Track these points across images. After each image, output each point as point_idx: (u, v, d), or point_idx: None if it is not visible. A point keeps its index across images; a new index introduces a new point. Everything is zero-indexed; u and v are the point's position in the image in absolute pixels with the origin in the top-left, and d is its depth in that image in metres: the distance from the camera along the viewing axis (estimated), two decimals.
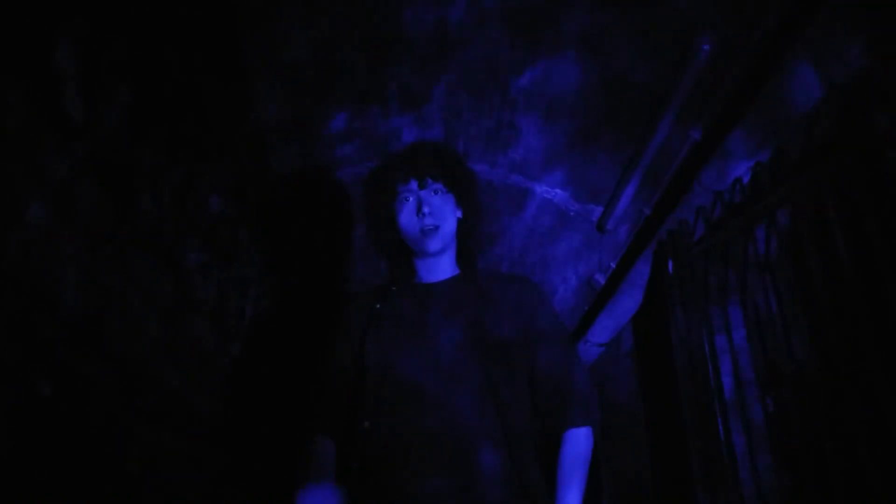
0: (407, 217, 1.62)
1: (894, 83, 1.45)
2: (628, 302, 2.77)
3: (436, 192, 1.63)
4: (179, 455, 1.90)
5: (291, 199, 2.84)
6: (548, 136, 2.60)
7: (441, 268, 1.67)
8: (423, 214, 1.59)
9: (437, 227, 1.60)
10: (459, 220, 1.68)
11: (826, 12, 1.50)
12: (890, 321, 1.42)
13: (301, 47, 2.26)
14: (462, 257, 1.71)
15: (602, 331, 3.03)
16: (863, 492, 1.49)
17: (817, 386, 1.67)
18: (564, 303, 3.25)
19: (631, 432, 2.89)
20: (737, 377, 2.00)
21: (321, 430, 1.52)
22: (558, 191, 2.85)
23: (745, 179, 1.98)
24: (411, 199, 1.63)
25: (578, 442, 1.45)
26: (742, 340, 2.03)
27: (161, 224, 1.81)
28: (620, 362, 3.08)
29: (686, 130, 2.17)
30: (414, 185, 1.63)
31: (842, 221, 1.58)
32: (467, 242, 1.72)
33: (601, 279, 2.96)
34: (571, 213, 2.92)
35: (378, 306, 1.61)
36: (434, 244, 1.60)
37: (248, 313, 2.49)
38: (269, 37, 2.22)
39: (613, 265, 2.86)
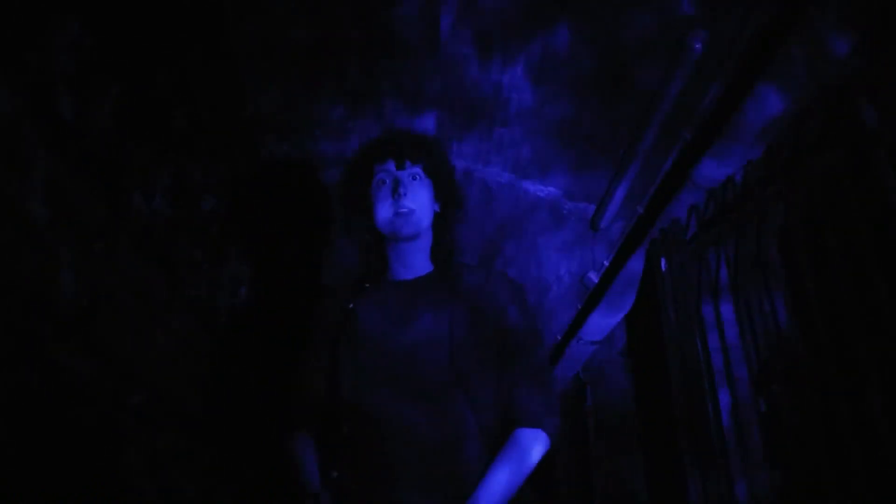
0: (382, 199, 1.55)
1: (882, 80, 1.45)
2: (621, 300, 2.78)
3: (414, 178, 1.57)
4: (172, 454, 1.90)
5: (283, 196, 2.83)
6: (541, 134, 2.60)
7: (415, 262, 1.60)
8: (399, 195, 1.52)
9: (411, 211, 1.53)
10: (437, 214, 1.62)
11: (815, 9, 1.51)
12: (880, 318, 1.43)
13: (294, 44, 2.25)
14: (437, 253, 1.64)
15: (595, 329, 3.04)
16: (854, 488, 1.49)
17: (809, 383, 1.67)
18: (558, 300, 3.26)
19: (623, 430, 2.90)
20: (729, 375, 2.00)
21: (298, 429, 1.49)
22: (552, 189, 2.86)
23: (737, 178, 1.99)
24: (388, 180, 1.56)
25: (522, 440, 1.39)
26: (734, 338, 2.04)
27: (152, 222, 1.80)
28: (613, 360, 3.09)
29: (678, 129, 2.18)
30: (391, 165, 1.57)
31: (832, 218, 1.58)
32: (443, 239, 1.64)
33: (594, 277, 2.97)
34: (565, 212, 2.93)
35: (350, 305, 1.54)
36: (407, 228, 1.53)
37: (239, 311, 2.48)
38: (260, 33, 2.21)
39: (607, 263, 2.87)
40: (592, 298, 2.96)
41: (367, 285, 1.60)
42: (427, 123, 2.61)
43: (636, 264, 2.57)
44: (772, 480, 1.87)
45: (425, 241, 1.61)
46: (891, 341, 1.41)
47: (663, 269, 2.32)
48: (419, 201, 1.56)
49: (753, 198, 1.88)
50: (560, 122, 2.52)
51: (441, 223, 1.64)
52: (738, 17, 1.82)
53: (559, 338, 3.39)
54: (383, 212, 1.55)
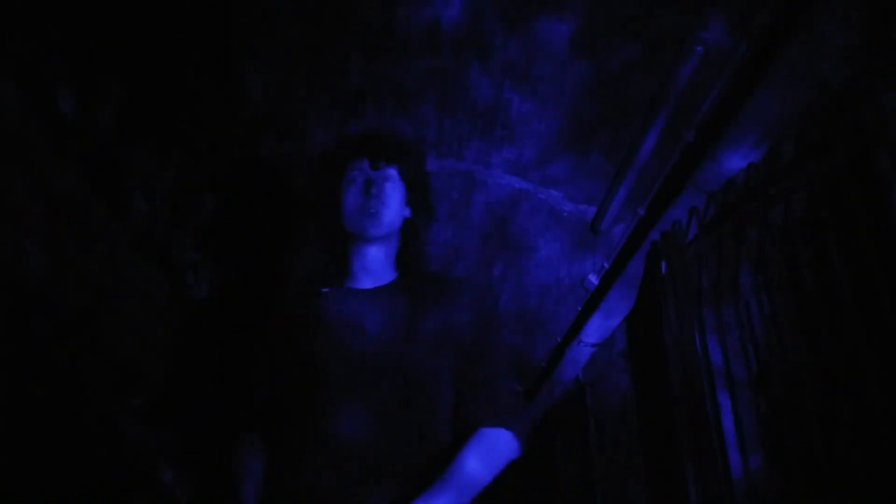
0: (352, 195, 1.52)
1: (884, 83, 1.46)
2: (621, 302, 2.78)
3: (387, 180, 1.53)
4: (172, 454, 1.89)
5: (284, 196, 2.84)
6: (541, 136, 2.60)
7: (378, 267, 1.55)
8: (370, 195, 1.49)
9: (380, 212, 1.50)
10: (406, 220, 1.58)
11: (818, 12, 1.51)
12: (881, 319, 1.43)
13: (295, 44, 2.25)
14: (402, 260, 1.59)
15: (595, 331, 3.04)
16: (854, 489, 1.49)
17: (809, 385, 1.67)
18: (558, 303, 3.26)
19: (623, 432, 2.90)
20: (729, 377, 2.00)
21: (246, 431, 1.46)
22: (552, 191, 2.86)
23: (738, 180, 1.99)
24: (359, 179, 1.53)
25: (488, 435, 1.34)
26: (735, 341, 2.04)
27: (154, 223, 1.80)
28: (613, 362, 3.09)
29: (679, 131, 2.18)
30: (365, 164, 1.54)
31: (834, 221, 1.58)
32: (410, 246, 1.60)
33: (594, 279, 2.97)
34: (565, 214, 2.93)
35: (305, 310, 1.49)
36: (373, 227, 1.50)
37: (240, 311, 2.48)
38: (261, 34, 2.21)
39: (607, 265, 2.87)
40: (593, 301, 2.96)
41: (325, 290, 1.53)
42: (428, 125, 2.61)
43: (636, 267, 2.57)
44: (772, 482, 1.86)
45: (391, 247, 1.58)
46: (892, 343, 1.41)
47: (664, 271, 2.32)
48: (390, 203, 1.52)
49: (754, 200, 1.88)
50: (561, 124, 2.53)
51: (410, 229, 1.60)
52: (741, 20, 1.83)
53: (559, 340, 3.39)
54: (352, 209, 1.51)
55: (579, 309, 3.15)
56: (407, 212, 1.59)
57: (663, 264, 2.32)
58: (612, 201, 2.63)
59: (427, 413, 1.37)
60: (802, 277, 1.69)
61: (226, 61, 2.23)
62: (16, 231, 1.22)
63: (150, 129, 1.75)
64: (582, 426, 3.37)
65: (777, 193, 1.79)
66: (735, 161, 2.00)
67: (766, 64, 1.72)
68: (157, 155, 1.80)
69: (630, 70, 2.20)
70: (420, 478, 1.28)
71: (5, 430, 1.19)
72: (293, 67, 2.34)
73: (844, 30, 1.50)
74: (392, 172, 1.55)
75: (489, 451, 1.33)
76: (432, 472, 1.28)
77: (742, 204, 1.94)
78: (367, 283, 1.54)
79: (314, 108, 2.52)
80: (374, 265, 1.55)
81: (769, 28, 1.74)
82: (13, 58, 1.21)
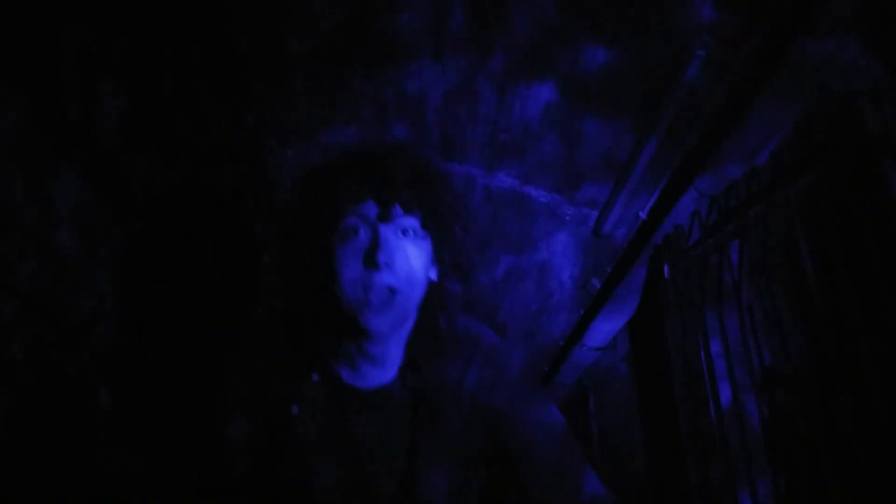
0: (349, 262, 1.02)
1: (887, 87, 1.46)
2: (624, 306, 2.78)
3: (405, 233, 1.06)
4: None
5: (285, 201, 2.84)
6: (544, 140, 2.60)
7: (378, 360, 1.09)
8: (378, 266, 1.00)
9: (392, 293, 1.02)
10: (432, 284, 1.11)
11: (822, 16, 1.51)
12: (885, 323, 1.43)
13: (297, 49, 2.26)
14: (415, 346, 1.12)
15: (598, 335, 3.04)
16: (858, 493, 1.49)
17: (813, 389, 1.67)
18: (560, 307, 3.26)
19: (626, 436, 2.89)
20: (732, 381, 2.00)
21: None
22: (555, 195, 2.86)
23: (741, 184, 1.99)
24: (362, 233, 1.04)
25: None
26: (738, 345, 2.03)
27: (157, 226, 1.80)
28: (616, 367, 3.09)
29: (681, 135, 2.18)
30: (371, 210, 1.04)
31: (836, 225, 1.58)
32: (430, 325, 1.12)
33: (597, 283, 2.97)
34: (567, 218, 2.93)
35: (294, 409, 1.03)
36: (378, 321, 1.02)
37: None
38: (264, 39, 2.22)
39: (609, 269, 2.87)
40: (595, 304, 2.95)
41: (315, 379, 1.07)
42: (429, 128, 2.61)
43: (639, 270, 2.57)
44: (775, 486, 1.86)
45: (404, 330, 1.11)
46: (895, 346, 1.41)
47: (666, 275, 2.32)
48: (408, 273, 1.04)
49: (757, 204, 1.88)
50: (563, 127, 2.53)
51: (434, 299, 1.11)
52: (743, 24, 1.83)
53: (562, 344, 3.39)
54: (349, 283, 1.02)
55: (582, 313, 3.15)
56: (432, 272, 1.12)
57: (666, 268, 2.32)
58: (614, 205, 2.63)
59: None
60: (805, 281, 1.69)
61: (229, 66, 2.23)
62: (19, 237, 1.22)
63: (154, 133, 1.75)
64: (584, 430, 3.36)
65: (779, 197, 1.79)
66: (737, 165, 2.00)
67: (769, 68, 1.72)
68: (161, 159, 1.80)
69: (632, 72, 2.21)
70: None
71: (8, 434, 1.19)
72: (295, 72, 2.34)
73: (848, 33, 1.50)
74: (412, 223, 1.06)
75: None
76: None
77: (744, 208, 1.94)
78: (359, 380, 1.09)
79: (316, 112, 2.53)
80: (374, 355, 1.09)
81: (772, 32, 1.75)
82: (20, 63, 1.21)
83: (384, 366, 1.10)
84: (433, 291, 1.12)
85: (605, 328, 2.97)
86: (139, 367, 1.50)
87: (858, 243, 1.51)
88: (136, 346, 1.52)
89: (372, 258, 1.01)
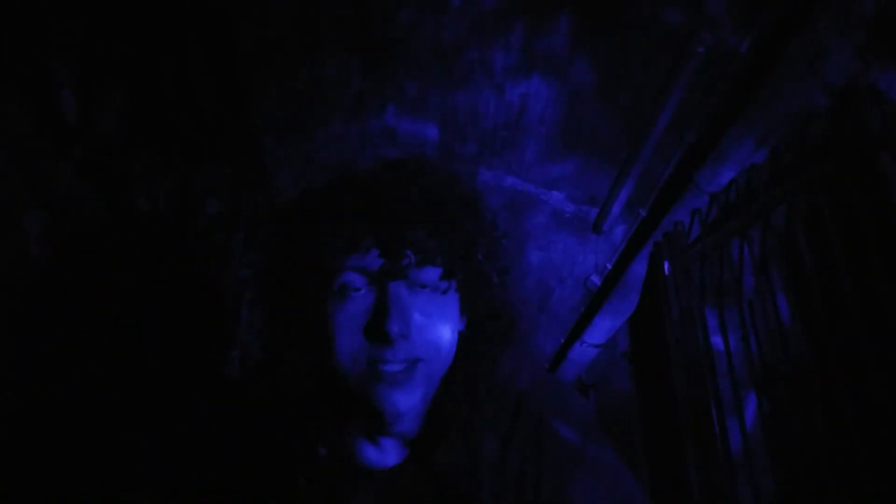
0: (349, 332, 0.78)
1: (886, 85, 1.46)
2: (624, 303, 2.78)
3: (423, 288, 0.79)
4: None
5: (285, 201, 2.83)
6: (543, 138, 2.60)
7: (393, 435, 0.85)
8: (387, 336, 0.75)
9: (412, 365, 0.78)
10: (462, 335, 0.85)
11: (819, 14, 1.51)
12: (884, 320, 1.43)
13: (296, 47, 2.26)
14: (440, 407, 0.84)
15: (598, 332, 3.04)
16: (858, 491, 1.49)
17: (813, 385, 1.67)
18: (560, 304, 3.26)
19: (626, 433, 2.89)
20: (732, 378, 2.00)
21: None
22: (554, 192, 2.86)
23: (740, 181, 1.99)
24: (364, 293, 0.78)
25: None
26: (737, 341, 2.04)
27: (157, 227, 1.80)
28: (616, 363, 3.09)
29: (681, 132, 2.18)
30: (375, 261, 0.78)
31: (836, 222, 1.58)
32: (455, 390, 0.84)
33: (597, 280, 2.97)
34: (567, 215, 2.93)
35: (307, 491, 0.82)
36: (395, 400, 0.77)
37: (243, 317, 2.48)
38: (264, 37, 2.22)
39: (609, 266, 2.87)
40: (595, 301, 2.96)
41: (324, 452, 0.84)
42: (430, 128, 2.61)
43: (639, 267, 2.57)
44: (776, 483, 1.86)
45: (426, 394, 0.84)
46: (895, 343, 1.41)
47: (666, 272, 2.32)
48: (431, 340, 0.79)
49: (757, 201, 1.88)
50: (563, 125, 2.53)
51: (465, 350, 0.85)
52: (743, 22, 1.83)
53: (562, 341, 3.39)
54: (349, 357, 0.78)
55: (582, 310, 3.15)
56: (462, 323, 0.87)
57: (666, 265, 2.33)
58: (614, 202, 2.63)
59: None
60: (805, 278, 1.69)
61: (228, 65, 2.23)
62: (20, 237, 1.22)
63: (152, 132, 1.75)
64: None
65: (779, 194, 1.79)
66: (737, 162, 2.00)
67: (769, 64, 1.72)
68: (160, 158, 1.80)
69: (631, 70, 2.20)
70: None
71: (11, 438, 1.19)
72: (295, 70, 2.34)
73: (847, 30, 1.50)
74: (431, 276, 0.80)
75: None
76: None
77: (744, 205, 1.94)
78: (375, 458, 0.87)
79: (316, 111, 2.53)
80: (397, 431, 0.84)
81: (771, 28, 1.74)
82: (18, 63, 1.21)
83: (393, 443, 0.86)
84: (464, 345, 0.86)
85: (606, 325, 2.97)
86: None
87: (858, 240, 1.52)
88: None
89: (381, 329, 0.75)
